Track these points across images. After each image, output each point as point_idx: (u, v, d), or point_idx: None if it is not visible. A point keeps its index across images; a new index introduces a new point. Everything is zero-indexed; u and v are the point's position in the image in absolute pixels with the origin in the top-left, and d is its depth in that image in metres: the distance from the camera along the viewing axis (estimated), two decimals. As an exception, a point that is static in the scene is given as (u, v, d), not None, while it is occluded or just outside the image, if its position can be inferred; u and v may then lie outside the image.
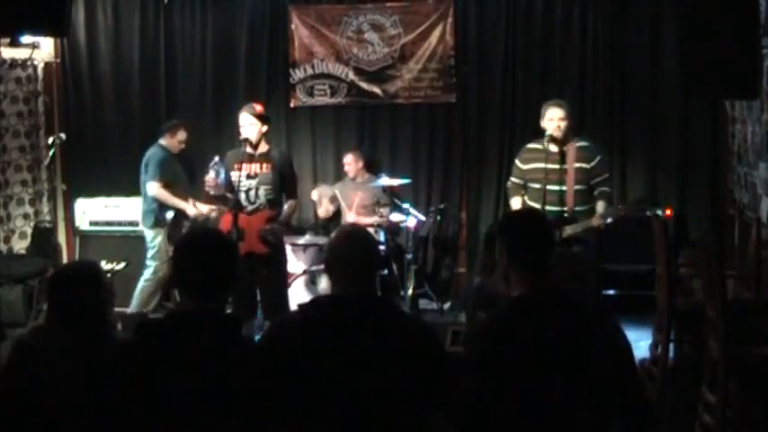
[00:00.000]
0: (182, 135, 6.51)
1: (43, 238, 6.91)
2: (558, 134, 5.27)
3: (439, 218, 7.28)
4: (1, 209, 6.91)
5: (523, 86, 7.22)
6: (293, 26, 7.42)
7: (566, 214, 5.26)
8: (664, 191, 6.99)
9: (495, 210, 7.27)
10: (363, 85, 7.40)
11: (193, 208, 6.29)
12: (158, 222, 6.32)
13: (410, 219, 6.62)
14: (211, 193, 5.35)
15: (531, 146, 5.50)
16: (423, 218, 6.91)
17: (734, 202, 6.28)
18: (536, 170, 5.33)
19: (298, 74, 7.46)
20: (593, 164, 5.35)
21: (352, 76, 7.40)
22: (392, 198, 6.87)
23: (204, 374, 2.20)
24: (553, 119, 5.30)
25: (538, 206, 5.18)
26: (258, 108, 5.38)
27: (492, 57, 7.23)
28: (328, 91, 7.46)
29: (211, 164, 5.28)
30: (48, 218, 7.09)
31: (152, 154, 6.37)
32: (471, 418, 2.40)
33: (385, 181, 6.77)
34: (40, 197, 7.20)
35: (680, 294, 4.94)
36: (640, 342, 5.58)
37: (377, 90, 7.39)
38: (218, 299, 2.37)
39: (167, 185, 6.28)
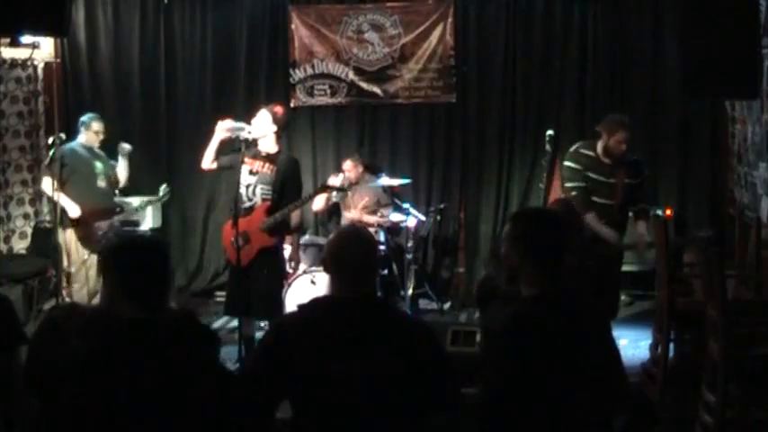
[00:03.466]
0: (96, 125, 6.33)
1: (43, 238, 6.89)
2: (619, 155, 5.20)
3: (439, 218, 7.27)
4: (1, 209, 6.90)
5: (523, 86, 7.22)
6: (293, 26, 7.42)
7: None
8: (664, 191, 6.99)
9: (495, 210, 7.27)
10: (363, 85, 7.40)
11: (76, 208, 6.16)
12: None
13: (410, 219, 6.61)
14: (222, 130, 5.21)
15: (584, 151, 5.31)
16: (423, 218, 6.91)
17: (734, 202, 6.28)
18: (588, 179, 5.23)
19: (298, 74, 7.46)
20: (639, 180, 5.32)
21: (352, 76, 7.40)
22: (392, 198, 6.87)
23: (161, 380, 2.19)
24: (621, 142, 5.18)
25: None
26: (276, 109, 5.38)
27: (492, 57, 7.23)
28: (328, 91, 7.46)
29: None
30: (48, 218, 7.08)
31: (63, 148, 6.19)
32: (493, 410, 2.43)
33: (385, 181, 6.77)
34: (40, 197, 7.19)
35: (680, 294, 4.94)
36: (640, 342, 5.59)
37: (377, 90, 7.38)
38: (163, 303, 2.34)
39: (62, 180, 6.10)
